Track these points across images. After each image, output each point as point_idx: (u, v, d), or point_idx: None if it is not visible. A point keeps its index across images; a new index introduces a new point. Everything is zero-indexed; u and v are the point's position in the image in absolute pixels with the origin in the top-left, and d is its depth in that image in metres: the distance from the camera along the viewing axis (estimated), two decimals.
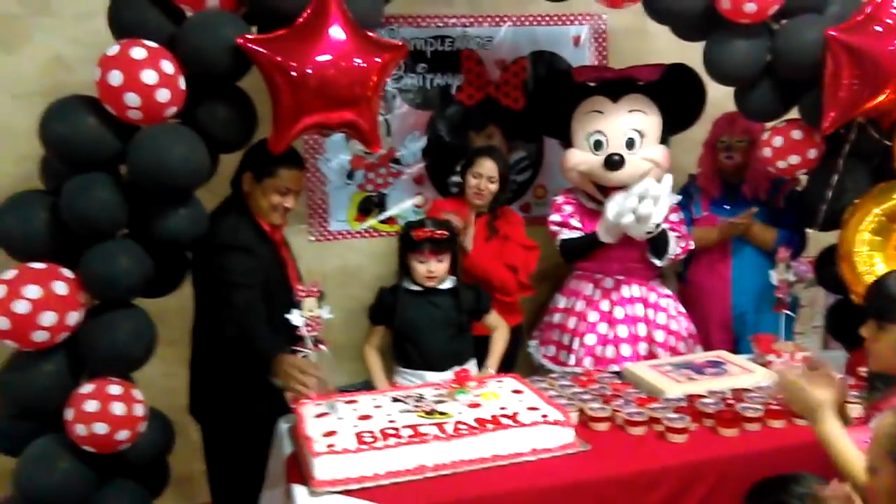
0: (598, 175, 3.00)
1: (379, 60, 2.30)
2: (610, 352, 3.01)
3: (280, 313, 2.36)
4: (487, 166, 3.03)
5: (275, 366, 2.33)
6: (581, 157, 3.05)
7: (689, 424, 2.23)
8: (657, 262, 3.03)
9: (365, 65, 2.26)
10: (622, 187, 2.95)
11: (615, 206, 2.87)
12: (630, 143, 2.99)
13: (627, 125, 2.99)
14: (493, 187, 3.04)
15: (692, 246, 3.08)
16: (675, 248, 3.02)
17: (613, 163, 2.93)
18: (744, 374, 2.59)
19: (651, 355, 2.99)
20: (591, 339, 3.03)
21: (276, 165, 2.45)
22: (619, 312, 3.03)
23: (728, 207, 3.17)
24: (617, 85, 3.05)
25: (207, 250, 2.42)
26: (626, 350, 3.00)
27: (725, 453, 2.15)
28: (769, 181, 3.13)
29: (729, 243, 3.16)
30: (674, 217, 3.04)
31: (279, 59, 2.17)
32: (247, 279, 2.41)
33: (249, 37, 2.18)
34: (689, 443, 2.21)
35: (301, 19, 2.21)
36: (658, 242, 2.96)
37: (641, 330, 3.03)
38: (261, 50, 2.17)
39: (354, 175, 3.39)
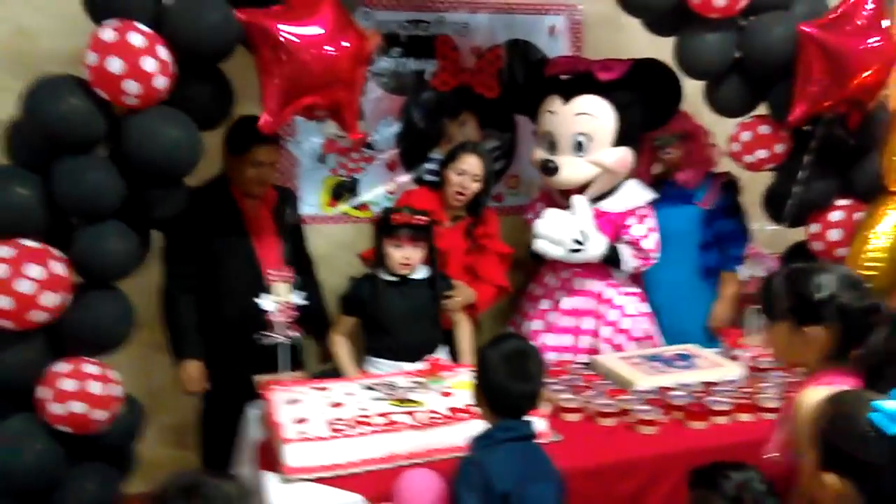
0: (544, 177, 3.03)
1: (362, 43, 2.28)
2: (551, 340, 3.01)
3: (242, 285, 2.41)
4: (472, 163, 2.91)
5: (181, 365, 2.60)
6: (539, 155, 3.06)
7: (660, 416, 2.26)
8: (617, 273, 3.04)
9: (351, 46, 2.23)
10: (574, 190, 2.97)
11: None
12: (578, 146, 2.96)
13: (574, 128, 2.95)
14: (476, 186, 2.93)
15: (654, 260, 3.03)
16: (633, 261, 2.99)
17: (547, 169, 2.95)
18: (713, 367, 2.63)
19: (593, 350, 2.99)
20: (537, 325, 3.05)
21: (249, 141, 2.51)
22: (566, 303, 3.04)
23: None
24: (574, 84, 3.00)
25: None
26: (566, 340, 3.01)
27: (694, 446, 2.18)
28: (703, 175, 3.16)
29: None
30: (638, 230, 3.00)
31: (283, 37, 2.14)
32: (177, 229, 2.51)
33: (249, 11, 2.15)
34: (658, 434, 2.23)
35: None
36: (606, 260, 2.96)
37: (587, 323, 3.03)
38: (265, 25, 2.13)
39: (326, 159, 3.34)
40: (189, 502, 1.33)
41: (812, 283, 1.67)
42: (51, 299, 2.00)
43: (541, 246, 2.88)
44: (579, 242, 2.86)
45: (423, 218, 2.59)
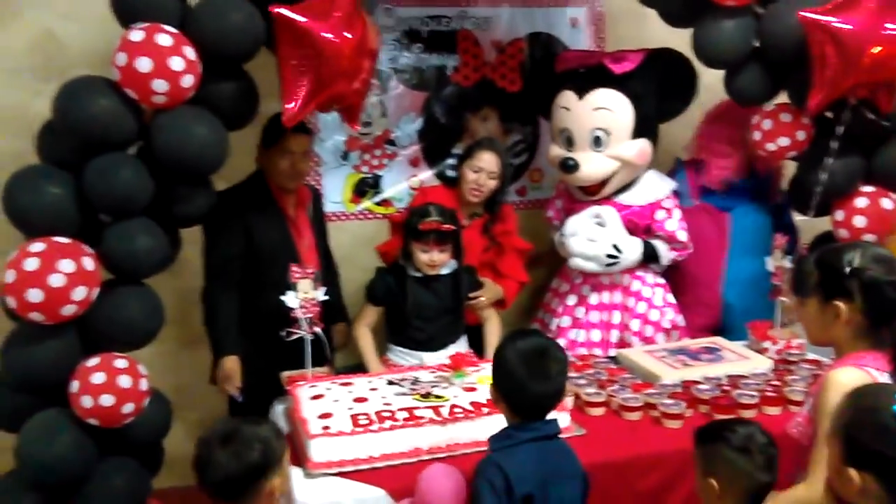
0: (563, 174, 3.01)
1: (367, 34, 2.32)
2: (581, 336, 3.01)
3: (280, 287, 2.38)
4: (488, 160, 2.88)
5: (218, 363, 2.57)
6: (557, 152, 3.04)
7: (685, 410, 2.24)
8: (655, 268, 3.07)
9: (356, 36, 2.26)
10: (594, 185, 2.97)
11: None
12: (597, 141, 2.94)
13: (591, 124, 2.93)
14: (493, 184, 2.90)
15: (690, 249, 3.06)
16: (671, 254, 3.03)
17: (567, 167, 2.93)
18: (739, 360, 2.60)
19: (623, 343, 2.98)
20: (565, 322, 3.04)
21: (279, 132, 2.53)
22: (594, 298, 3.04)
23: (720, 197, 3.16)
24: (588, 78, 2.97)
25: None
26: (595, 335, 3.00)
27: None
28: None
29: (727, 232, 3.15)
30: (671, 224, 3.01)
31: (322, 32, 2.16)
32: (222, 235, 2.57)
33: (283, 10, 2.17)
34: (684, 429, 2.21)
35: None
36: (646, 258, 2.99)
37: (616, 317, 3.02)
38: (301, 20, 2.16)
39: (349, 156, 3.36)
40: (229, 447, 1.55)
41: (840, 257, 1.67)
42: (81, 293, 2.04)
43: (577, 264, 2.89)
44: (613, 256, 2.87)
45: (451, 226, 2.60)
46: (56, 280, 2.00)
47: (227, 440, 1.57)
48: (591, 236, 2.89)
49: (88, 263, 2.07)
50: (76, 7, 2.88)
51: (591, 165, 2.93)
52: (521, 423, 1.76)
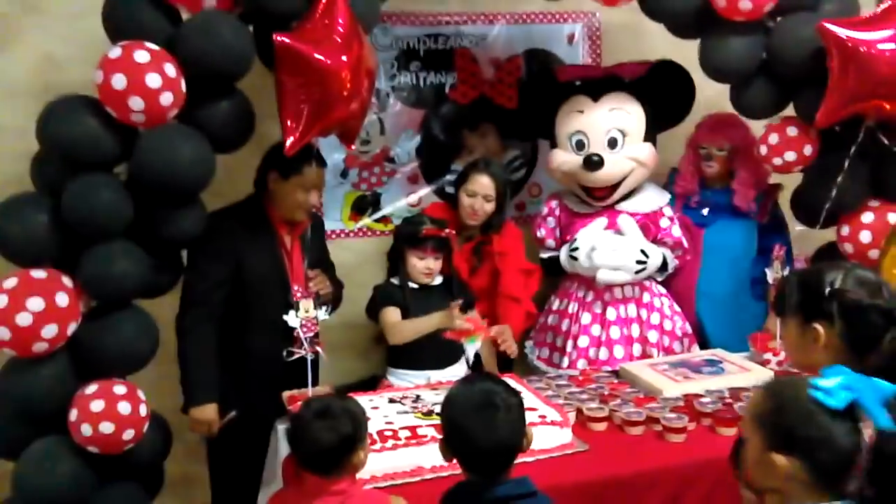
0: (581, 176, 2.99)
1: (363, 54, 2.31)
2: (603, 354, 2.97)
3: (273, 311, 2.37)
4: (483, 183, 2.84)
5: (192, 411, 2.44)
6: (564, 158, 3.03)
7: (688, 424, 2.23)
8: (659, 277, 3.07)
9: (361, 56, 2.27)
10: (606, 188, 2.96)
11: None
12: (612, 143, 2.96)
13: (609, 124, 2.95)
14: (489, 207, 2.85)
15: (689, 257, 3.08)
16: (674, 262, 3.06)
17: (592, 163, 2.91)
18: (741, 372, 2.59)
19: (645, 356, 2.96)
20: (583, 342, 3.00)
21: (302, 163, 2.47)
22: (611, 314, 3.00)
23: (704, 213, 3.16)
24: (599, 84, 3.01)
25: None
26: (619, 352, 2.97)
27: (724, 453, 2.12)
28: (755, 192, 3.09)
29: (699, 248, 3.13)
30: (676, 231, 3.03)
31: (321, 56, 2.17)
32: (207, 258, 2.45)
33: (282, 37, 2.17)
34: (687, 442, 2.21)
35: (312, 17, 2.22)
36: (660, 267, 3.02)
37: (634, 331, 3.00)
38: (299, 47, 2.16)
39: (348, 174, 3.37)
40: (323, 420, 1.69)
41: (821, 278, 1.62)
42: (51, 331, 2.02)
43: (605, 277, 2.88)
44: (642, 262, 2.87)
45: (450, 231, 2.63)
46: (23, 319, 1.98)
47: (321, 414, 1.69)
48: (613, 246, 2.89)
49: (62, 299, 2.04)
50: (76, 31, 2.89)
51: (612, 164, 2.94)
52: (470, 483, 1.59)
